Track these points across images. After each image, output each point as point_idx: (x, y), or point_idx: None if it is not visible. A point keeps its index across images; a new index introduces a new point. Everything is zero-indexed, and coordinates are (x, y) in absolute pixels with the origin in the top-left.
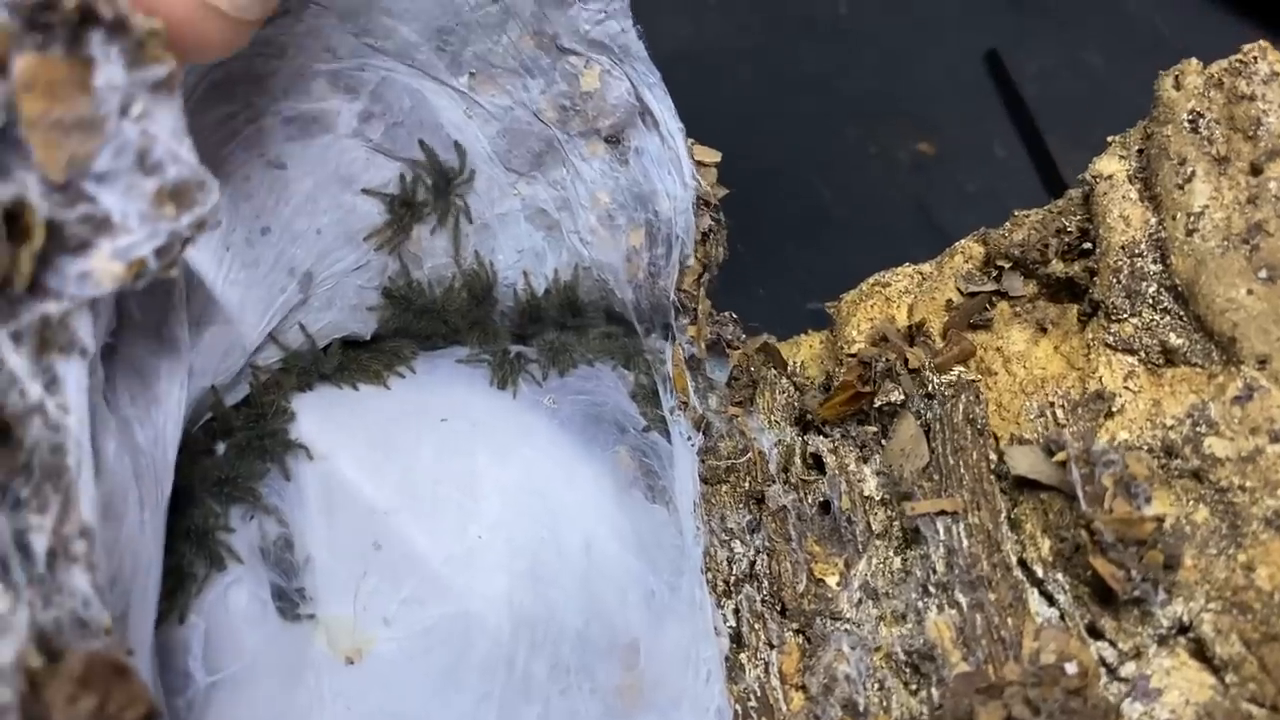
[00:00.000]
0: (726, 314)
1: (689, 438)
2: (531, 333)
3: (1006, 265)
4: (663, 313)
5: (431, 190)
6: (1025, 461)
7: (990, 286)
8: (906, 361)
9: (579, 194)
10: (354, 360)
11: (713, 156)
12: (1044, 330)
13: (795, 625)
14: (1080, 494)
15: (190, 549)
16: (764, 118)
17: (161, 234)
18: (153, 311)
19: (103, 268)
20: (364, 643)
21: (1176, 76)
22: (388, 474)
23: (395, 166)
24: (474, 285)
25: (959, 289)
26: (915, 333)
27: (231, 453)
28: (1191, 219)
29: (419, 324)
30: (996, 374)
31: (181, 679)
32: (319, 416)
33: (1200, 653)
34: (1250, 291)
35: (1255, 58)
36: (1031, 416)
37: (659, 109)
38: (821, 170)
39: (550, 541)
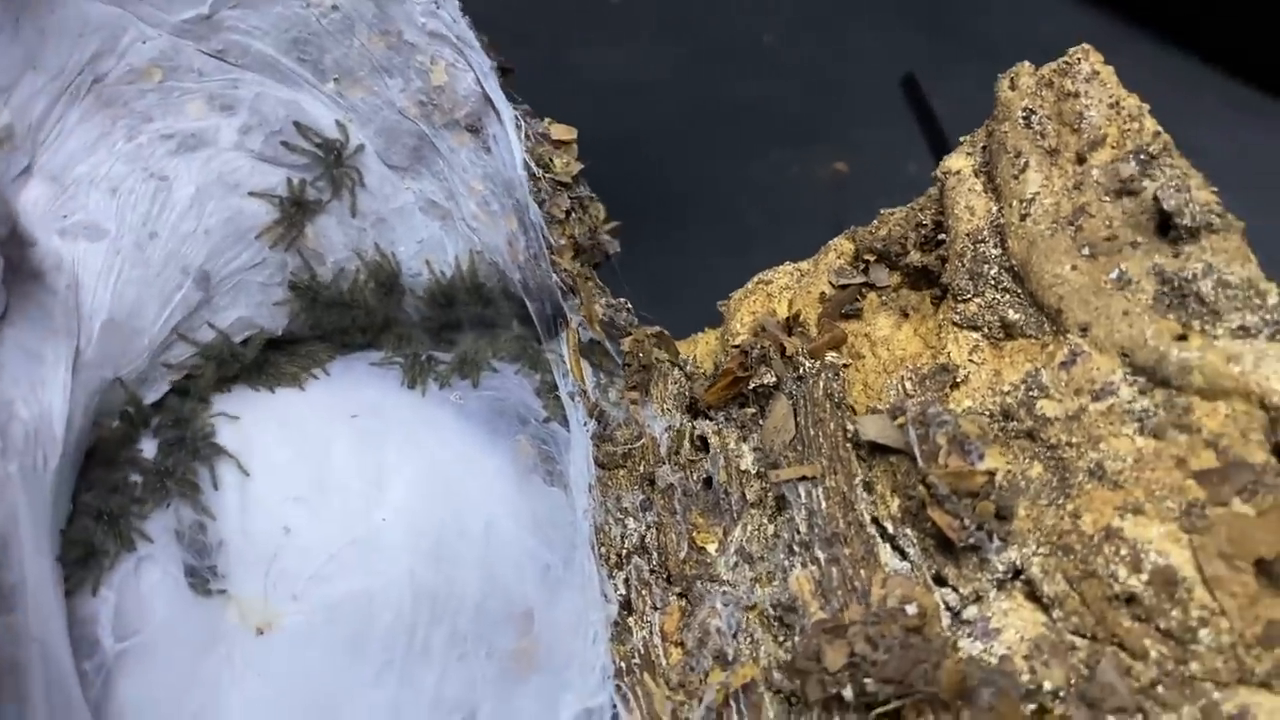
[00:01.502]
0: (621, 300)
1: (585, 423)
2: (447, 322)
3: (872, 259)
4: (549, 292)
5: (326, 178)
6: (874, 428)
7: (859, 279)
8: (784, 349)
9: (457, 183)
10: (271, 362)
11: (569, 134)
12: (906, 315)
13: (678, 589)
14: (917, 452)
15: (101, 529)
16: (692, 142)
17: None
18: (38, 303)
19: None
20: (274, 616)
21: (1012, 78)
22: (300, 466)
23: (281, 172)
24: (379, 275)
25: (831, 282)
26: (793, 323)
27: (163, 449)
28: (1025, 205)
29: (330, 317)
30: (865, 357)
31: (90, 646)
32: (238, 414)
33: (1032, 593)
34: (1074, 267)
35: (1079, 59)
36: (890, 391)
37: (496, 97)
38: (747, 190)
39: (452, 523)
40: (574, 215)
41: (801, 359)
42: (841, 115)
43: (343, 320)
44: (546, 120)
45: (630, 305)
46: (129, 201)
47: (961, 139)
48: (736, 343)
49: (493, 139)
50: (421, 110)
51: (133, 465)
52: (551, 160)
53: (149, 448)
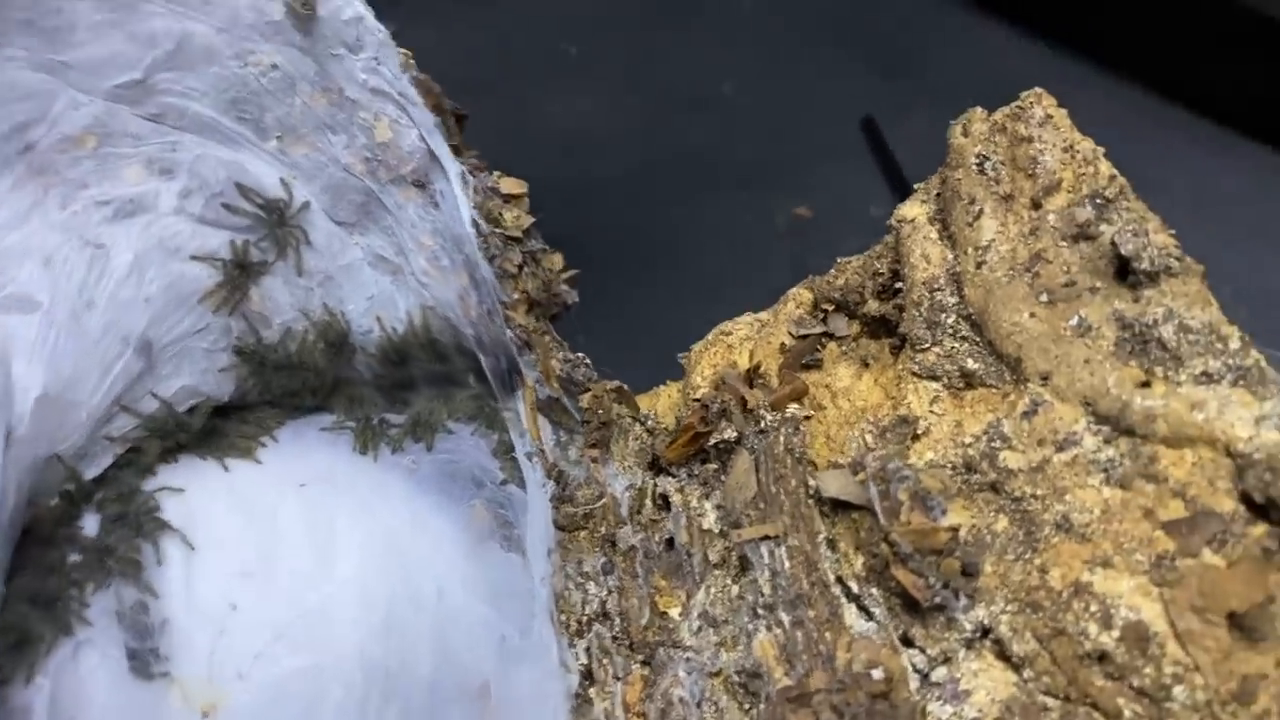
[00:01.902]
0: (579, 355)
1: (543, 485)
2: (401, 380)
3: (831, 308)
4: (504, 348)
5: (270, 238)
6: (835, 484)
7: (819, 329)
8: (745, 402)
9: (406, 239)
10: (219, 431)
11: (519, 188)
12: (866, 365)
13: (641, 657)
14: (878, 509)
15: (37, 614)
16: (652, 190)
17: None
18: None
19: None
20: (219, 697)
21: (964, 124)
22: (246, 539)
23: (224, 234)
24: (328, 334)
25: (790, 333)
26: (754, 375)
27: (105, 525)
28: (980, 252)
29: (279, 380)
30: (826, 408)
31: None
32: (183, 485)
33: (1002, 653)
34: (1033, 314)
35: (1032, 103)
36: (851, 444)
37: (440, 152)
38: (708, 238)
39: (403, 594)
40: (526, 269)
41: (763, 412)
42: (801, 160)
43: (292, 383)
44: (496, 174)
45: (589, 360)
46: (64, 271)
47: (916, 186)
48: (697, 396)
49: (440, 194)
50: (367, 166)
51: (72, 544)
52: (501, 214)
53: (91, 524)
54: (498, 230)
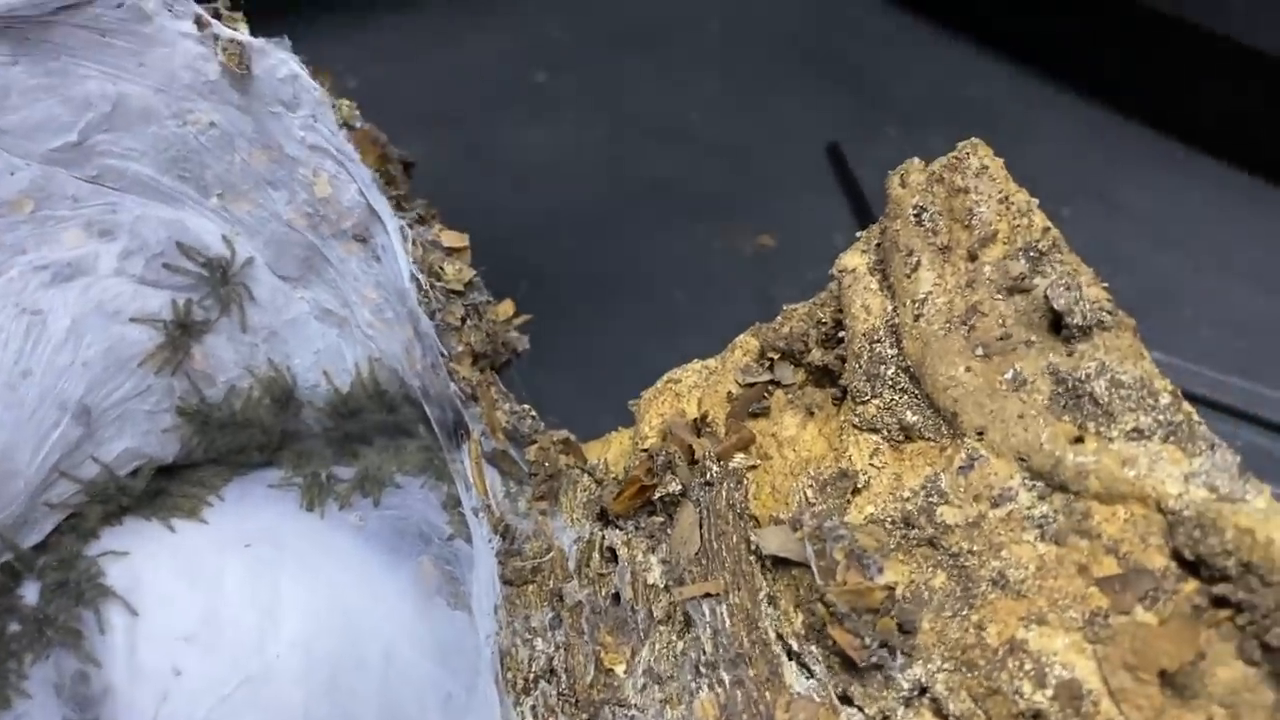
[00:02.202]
0: (525, 407)
1: (489, 540)
2: (350, 432)
3: (776, 356)
4: (450, 400)
5: (213, 296)
6: (775, 541)
7: (765, 377)
8: (693, 451)
9: (350, 292)
10: (164, 491)
11: (460, 241)
12: (811, 414)
13: (585, 716)
14: (815, 568)
15: None
16: (617, 222)
17: None
18: None
19: None
20: None
21: (902, 175)
22: (191, 602)
23: (165, 294)
24: (273, 390)
25: (738, 381)
26: (701, 424)
27: (46, 594)
28: (918, 304)
29: (224, 439)
30: (773, 458)
31: None
32: (127, 549)
33: (939, 711)
34: (969, 369)
35: (968, 154)
36: (794, 497)
37: (379, 207)
38: (671, 269)
39: (349, 654)
40: (469, 322)
41: (709, 463)
42: (766, 188)
43: (238, 440)
44: (438, 227)
45: (535, 412)
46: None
47: (858, 234)
48: (645, 446)
49: (381, 248)
50: (309, 221)
51: (10, 614)
52: (443, 268)
53: (31, 592)
54: (439, 284)
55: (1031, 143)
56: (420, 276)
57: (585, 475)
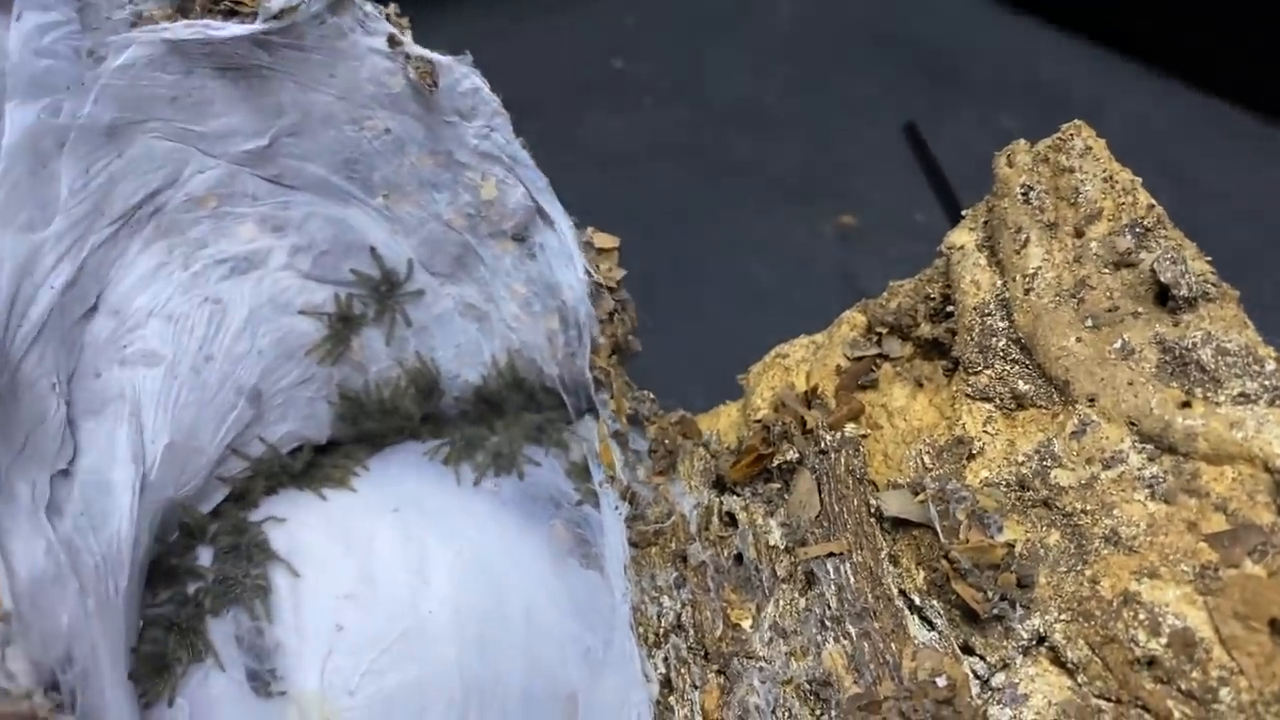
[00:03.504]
0: (645, 392)
1: (616, 507)
2: (484, 415)
3: (884, 331)
4: (584, 387)
5: (372, 297)
6: (896, 503)
7: (873, 350)
8: (804, 423)
9: (499, 288)
10: (315, 463)
11: (611, 243)
12: (921, 386)
13: (716, 666)
14: (939, 528)
15: (173, 640)
16: (700, 205)
17: None
18: (107, 434)
19: None
20: (332, 713)
21: (1009, 155)
22: (347, 564)
23: (329, 289)
24: (419, 381)
25: (846, 355)
26: (811, 396)
27: (219, 557)
28: (1028, 279)
29: (373, 424)
30: (883, 428)
31: None
32: (285, 516)
33: (1057, 659)
34: (1079, 339)
35: (1072, 135)
36: (909, 463)
37: (551, 209)
38: (756, 251)
39: (495, 611)
40: (616, 316)
41: (822, 433)
42: (845, 169)
43: (383, 425)
44: (590, 229)
45: (654, 396)
46: (185, 327)
47: (964, 213)
48: (758, 418)
49: (539, 246)
50: (468, 221)
51: (193, 575)
52: (598, 265)
53: (205, 557)
54: (593, 279)
55: (1104, 120)
56: (592, 271)
57: (701, 446)
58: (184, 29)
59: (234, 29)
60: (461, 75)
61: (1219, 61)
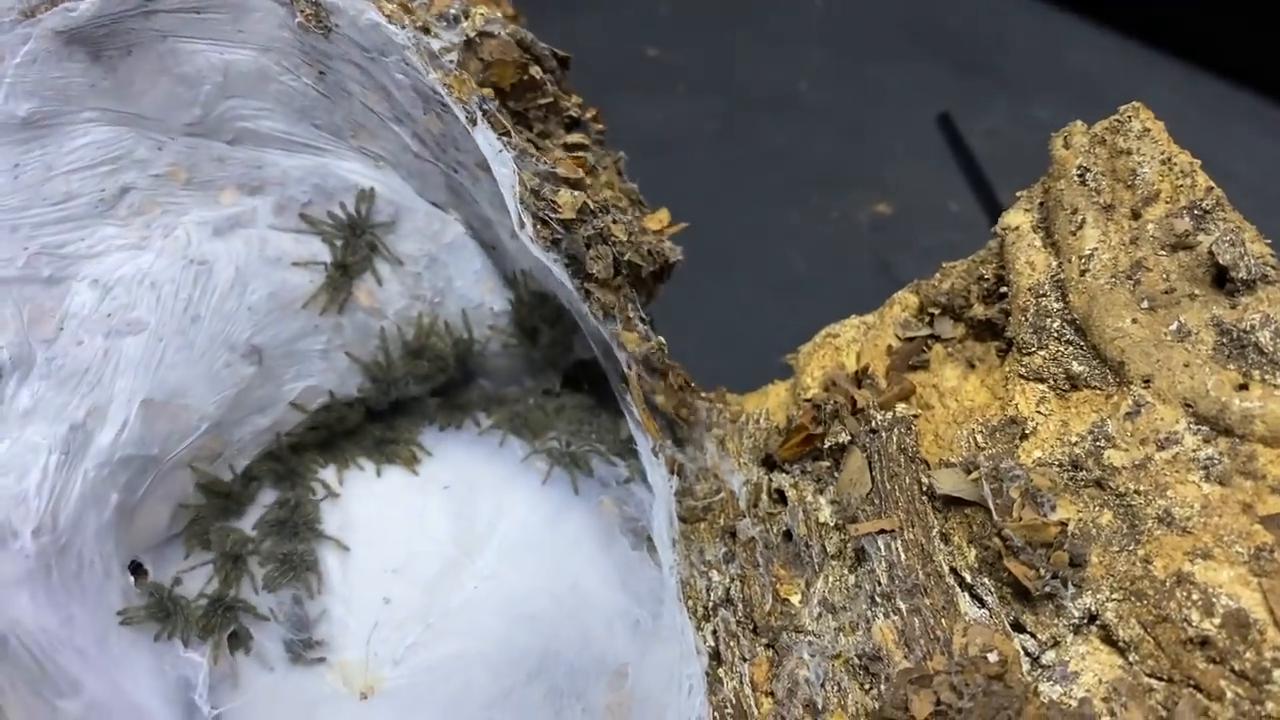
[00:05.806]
0: (658, 339)
1: (666, 479)
2: (526, 332)
3: (937, 312)
4: (595, 330)
5: (347, 237)
6: (949, 481)
7: (925, 331)
8: (855, 403)
9: (490, 211)
10: (367, 434)
11: (575, 172)
12: (973, 366)
13: (765, 640)
14: (991, 506)
15: (216, 609)
16: (735, 192)
17: None
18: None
19: None
20: (375, 681)
21: (1065, 137)
22: (397, 537)
23: (319, 239)
24: (443, 313)
25: (897, 335)
26: (862, 376)
27: (264, 528)
28: (1084, 260)
29: (410, 365)
30: (934, 408)
31: (185, 710)
32: (336, 490)
33: (1108, 637)
34: (1135, 320)
35: (1130, 117)
36: (961, 443)
37: (486, 149)
38: (790, 238)
39: (544, 586)
40: (594, 249)
41: (873, 412)
42: (879, 157)
43: (420, 369)
44: (557, 153)
45: (664, 342)
46: (170, 291)
47: (1018, 194)
48: (808, 397)
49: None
50: (433, 153)
51: (236, 544)
52: (556, 199)
53: (247, 524)
54: (554, 216)
55: None
56: (527, 220)
57: (750, 423)
58: (50, 16)
59: (89, 5)
60: (358, 12)
61: (1252, 53)
